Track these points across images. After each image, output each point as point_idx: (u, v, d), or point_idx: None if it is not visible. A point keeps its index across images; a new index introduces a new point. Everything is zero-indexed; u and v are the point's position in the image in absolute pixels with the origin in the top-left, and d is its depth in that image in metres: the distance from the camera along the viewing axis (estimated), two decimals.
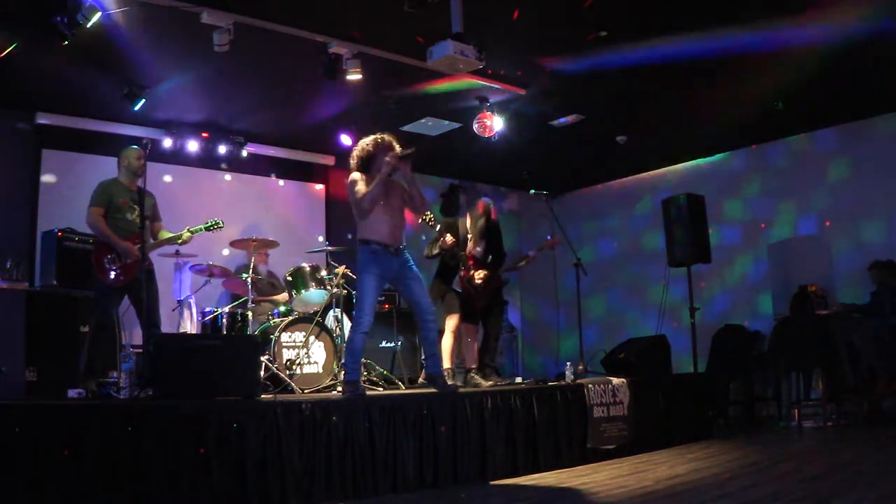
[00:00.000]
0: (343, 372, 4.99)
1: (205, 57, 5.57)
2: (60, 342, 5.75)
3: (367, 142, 4.85)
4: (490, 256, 6.10)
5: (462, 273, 5.95)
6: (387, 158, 4.68)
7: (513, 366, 9.67)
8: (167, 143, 7.48)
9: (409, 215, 5.09)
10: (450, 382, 5.13)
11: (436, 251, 5.92)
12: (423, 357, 5.21)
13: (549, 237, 7.06)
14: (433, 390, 4.89)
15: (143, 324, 5.03)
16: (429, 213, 5.43)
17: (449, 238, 5.72)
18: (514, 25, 5.53)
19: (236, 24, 5.26)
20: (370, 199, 4.64)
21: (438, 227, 5.61)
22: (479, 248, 6.04)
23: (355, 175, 4.79)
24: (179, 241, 5.44)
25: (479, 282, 5.92)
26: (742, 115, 7.59)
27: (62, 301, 5.94)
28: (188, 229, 5.46)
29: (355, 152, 4.87)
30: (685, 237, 7.20)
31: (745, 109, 7.44)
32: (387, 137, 4.85)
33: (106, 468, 3.41)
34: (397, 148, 4.80)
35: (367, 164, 4.81)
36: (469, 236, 6.02)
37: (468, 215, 6.13)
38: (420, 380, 5.85)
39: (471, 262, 5.96)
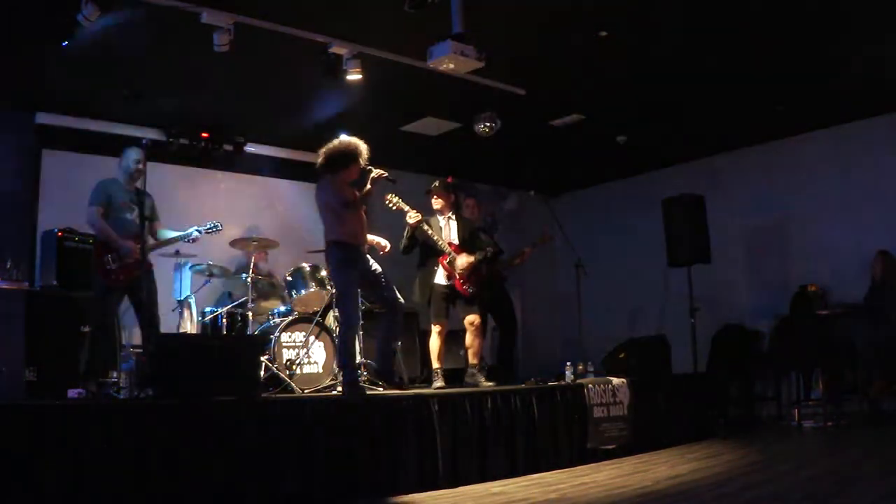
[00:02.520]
0: (342, 373, 4.99)
1: (205, 57, 5.57)
2: (60, 342, 5.73)
3: (337, 145, 5.06)
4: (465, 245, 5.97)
5: (442, 258, 5.80)
6: (374, 175, 5.00)
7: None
8: (167, 143, 7.47)
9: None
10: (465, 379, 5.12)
11: (407, 236, 5.83)
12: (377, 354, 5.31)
13: (541, 234, 7.04)
14: (433, 390, 4.90)
15: (143, 324, 5.03)
16: (392, 195, 5.59)
17: (412, 214, 5.64)
18: (514, 25, 5.53)
19: (236, 24, 5.26)
20: (356, 203, 4.93)
21: (399, 207, 5.61)
22: (452, 235, 5.92)
23: (328, 176, 5.00)
24: (189, 239, 5.48)
25: (461, 269, 5.78)
26: (743, 114, 7.61)
27: (62, 301, 5.93)
28: (195, 229, 5.50)
29: (326, 153, 5.04)
30: (685, 237, 7.20)
31: (745, 109, 7.45)
32: (354, 145, 5.05)
33: (106, 468, 3.41)
34: (365, 154, 5.07)
35: (334, 167, 5.01)
36: (441, 226, 5.93)
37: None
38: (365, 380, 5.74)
39: (452, 248, 5.86)
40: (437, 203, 5.98)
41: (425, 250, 5.95)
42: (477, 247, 6.03)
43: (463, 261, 5.82)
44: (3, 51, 5.61)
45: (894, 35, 5.81)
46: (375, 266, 5.22)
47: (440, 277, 5.87)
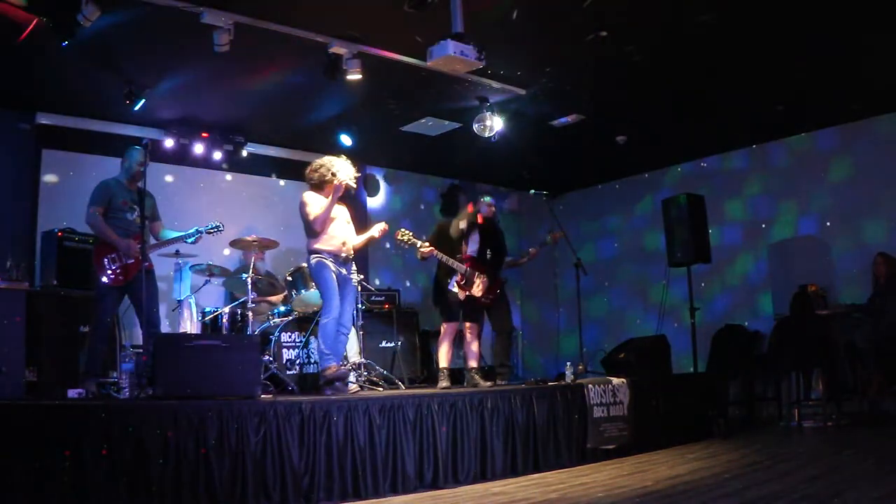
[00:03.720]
0: (326, 357, 5.05)
1: (205, 57, 5.57)
2: (60, 342, 5.75)
3: (316, 167, 5.32)
4: (489, 254, 6.05)
5: (458, 278, 5.88)
6: (336, 183, 5.17)
7: (513, 366, 9.67)
8: (167, 143, 7.47)
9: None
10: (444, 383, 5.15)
11: (418, 257, 5.90)
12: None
13: (549, 233, 7.07)
14: (433, 390, 4.90)
15: (143, 324, 5.04)
16: (403, 232, 5.67)
17: (425, 249, 5.70)
18: (514, 25, 5.53)
19: (236, 24, 5.26)
20: (321, 223, 5.17)
21: (412, 242, 5.67)
22: (472, 247, 5.98)
23: (307, 196, 5.27)
24: (190, 240, 5.49)
25: (478, 293, 5.90)
26: (743, 114, 7.61)
27: (62, 301, 5.94)
28: (197, 229, 5.51)
29: (314, 170, 5.32)
30: (685, 237, 7.20)
31: (745, 109, 7.45)
32: (326, 170, 5.26)
33: (106, 468, 3.41)
34: (338, 173, 5.25)
35: (311, 184, 5.32)
36: (474, 236, 5.97)
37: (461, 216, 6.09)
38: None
39: (467, 265, 5.92)
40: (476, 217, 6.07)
41: (440, 277, 6.05)
42: (500, 255, 6.19)
43: (479, 288, 5.90)
44: (3, 51, 5.61)
45: None
46: (349, 284, 5.35)
47: (454, 287, 5.94)
